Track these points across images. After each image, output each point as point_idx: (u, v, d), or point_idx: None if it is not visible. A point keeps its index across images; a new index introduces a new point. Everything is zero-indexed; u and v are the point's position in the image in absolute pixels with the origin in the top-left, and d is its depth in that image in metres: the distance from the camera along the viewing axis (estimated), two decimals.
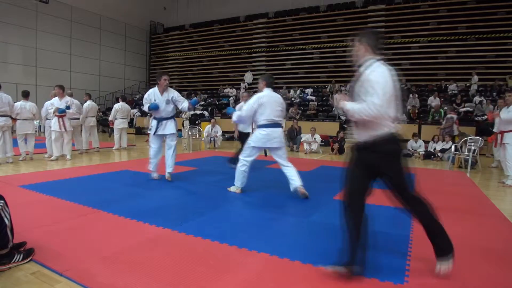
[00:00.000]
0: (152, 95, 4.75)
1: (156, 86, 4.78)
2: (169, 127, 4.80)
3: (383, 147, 1.99)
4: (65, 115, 6.75)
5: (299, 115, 12.84)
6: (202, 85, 20.24)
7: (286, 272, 2.10)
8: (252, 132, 4.92)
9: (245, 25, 19.23)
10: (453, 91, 12.98)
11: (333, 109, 13.06)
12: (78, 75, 18.64)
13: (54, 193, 3.95)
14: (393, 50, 15.24)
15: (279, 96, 4.23)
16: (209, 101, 17.21)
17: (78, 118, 7.82)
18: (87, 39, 19.10)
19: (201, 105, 15.97)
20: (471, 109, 11.43)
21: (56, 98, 6.84)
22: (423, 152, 8.55)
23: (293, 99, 15.14)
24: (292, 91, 16.16)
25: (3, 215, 2.10)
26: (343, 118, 11.63)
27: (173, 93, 4.80)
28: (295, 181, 4.01)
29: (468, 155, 6.73)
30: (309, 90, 15.94)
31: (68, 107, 6.71)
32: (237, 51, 19.25)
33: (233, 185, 4.28)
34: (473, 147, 6.80)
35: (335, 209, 2.97)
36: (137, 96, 20.21)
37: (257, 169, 6.00)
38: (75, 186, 4.47)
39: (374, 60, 2.02)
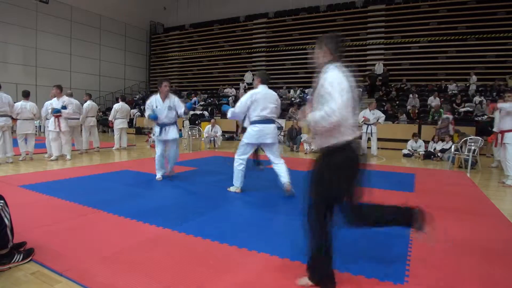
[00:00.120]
0: (154, 101, 4.85)
1: (158, 93, 4.88)
2: (172, 133, 4.91)
3: (333, 157, 1.90)
4: (61, 115, 6.75)
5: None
6: (202, 85, 20.23)
7: (286, 272, 2.10)
8: None
9: (245, 25, 19.21)
10: (453, 91, 12.98)
11: None
12: (78, 75, 18.62)
13: (54, 193, 3.95)
14: (393, 50, 15.26)
15: (274, 93, 4.23)
16: (209, 101, 17.20)
17: (78, 118, 7.82)
18: (87, 39, 19.09)
19: (201, 105, 15.96)
20: (471, 109, 11.43)
21: (55, 98, 6.87)
22: (423, 152, 8.55)
23: (293, 99, 15.13)
24: (292, 91, 16.15)
25: (3, 215, 2.10)
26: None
27: (174, 99, 4.91)
28: (283, 177, 4.07)
29: (468, 155, 6.73)
30: (309, 90, 15.93)
31: (64, 107, 6.71)
32: (237, 51, 19.24)
33: (233, 185, 4.28)
34: (473, 147, 6.80)
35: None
36: (137, 96, 20.21)
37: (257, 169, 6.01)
38: (75, 186, 4.47)
39: (331, 65, 1.95)
